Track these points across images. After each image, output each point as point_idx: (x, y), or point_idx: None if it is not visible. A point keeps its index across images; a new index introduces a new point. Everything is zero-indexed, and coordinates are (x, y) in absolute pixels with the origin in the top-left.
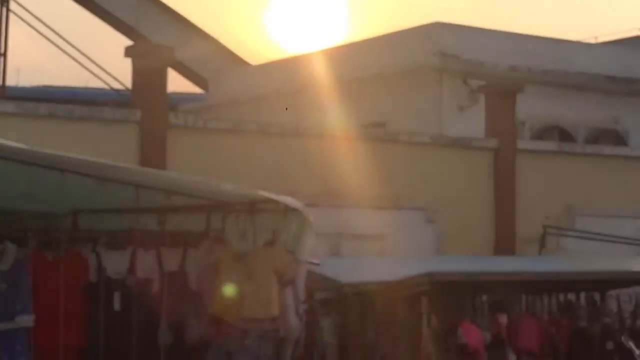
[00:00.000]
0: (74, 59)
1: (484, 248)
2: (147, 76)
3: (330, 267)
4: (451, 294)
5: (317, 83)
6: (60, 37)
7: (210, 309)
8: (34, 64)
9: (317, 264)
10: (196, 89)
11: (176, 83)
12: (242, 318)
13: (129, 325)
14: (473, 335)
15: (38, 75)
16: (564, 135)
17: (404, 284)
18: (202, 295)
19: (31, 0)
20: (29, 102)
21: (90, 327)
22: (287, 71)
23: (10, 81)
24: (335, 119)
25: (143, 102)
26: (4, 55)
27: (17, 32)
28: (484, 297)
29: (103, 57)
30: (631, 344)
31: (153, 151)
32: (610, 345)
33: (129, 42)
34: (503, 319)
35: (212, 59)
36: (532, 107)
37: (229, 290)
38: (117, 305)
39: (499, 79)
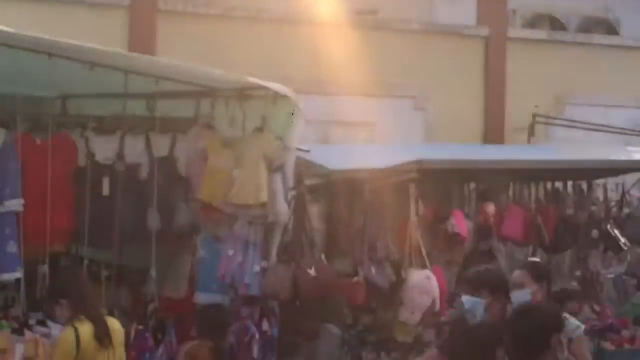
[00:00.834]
0: None
1: (473, 137)
2: None
3: (319, 154)
4: (439, 182)
5: None
6: None
7: (199, 194)
8: None
9: (307, 151)
10: None
11: None
12: (231, 203)
13: (118, 209)
14: (463, 224)
15: None
16: (555, 24)
17: (392, 171)
18: (191, 180)
19: None
20: None
21: (78, 212)
22: None
23: None
24: (326, 5)
25: None
26: None
27: None
28: (472, 186)
29: None
30: (616, 232)
31: (142, 37)
32: (595, 234)
33: None
34: (490, 207)
35: None
36: None
37: (218, 176)
38: (105, 190)
39: None
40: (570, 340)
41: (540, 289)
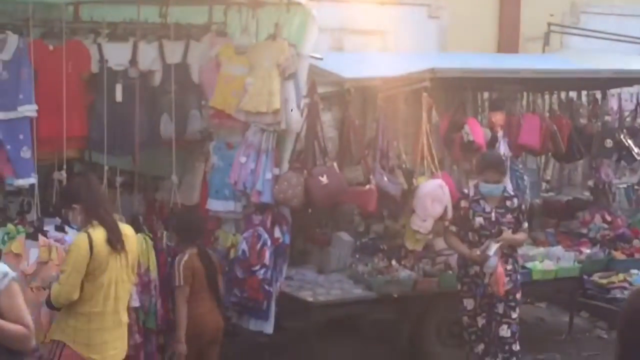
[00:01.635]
0: None
1: (487, 46)
2: None
3: (332, 62)
4: (453, 91)
5: None
6: None
7: (211, 101)
8: None
9: (320, 59)
10: None
11: None
12: (243, 111)
13: (131, 116)
14: (478, 132)
15: None
16: None
17: (405, 80)
18: (203, 88)
19: None
20: None
21: (91, 118)
22: None
23: None
24: None
25: None
26: None
27: None
28: (486, 95)
29: None
30: (630, 142)
31: None
32: (609, 143)
33: None
34: (498, 116)
35: None
36: None
37: (231, 83)
38: (119, 96)
39: None
40: None
41: None
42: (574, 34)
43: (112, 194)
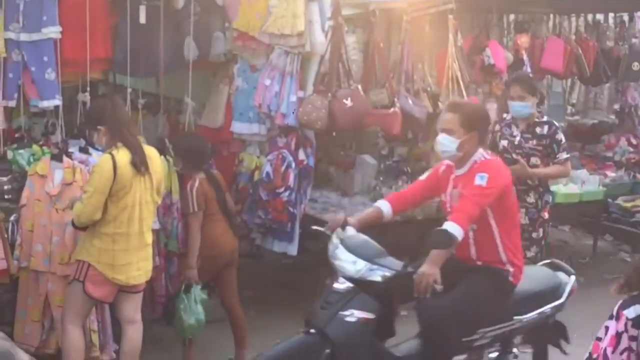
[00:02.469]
0: None
1: None
2: None
3: None
4: (478, 13)
5: None
6: None
7: (235, 23)
8: None
9: None
10: None
11: None
12: (267, 33)
13: (155, 38)
14: (499, 55)
15: None
16: None
17: (430, 1)
18: (228, 9)
19: None
20: None
21: (115, 40)
22: None
23: None
24: None
25: None
26: None
27: None
28: (511, 17)
29: None
30: None
31: None
32: (636, 66)
33: None
34: (523, 38)
35: None
36: None
37: (255, 5)
38: (142, 18)
39: None
40: None
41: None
42: None
43: (136, 116)
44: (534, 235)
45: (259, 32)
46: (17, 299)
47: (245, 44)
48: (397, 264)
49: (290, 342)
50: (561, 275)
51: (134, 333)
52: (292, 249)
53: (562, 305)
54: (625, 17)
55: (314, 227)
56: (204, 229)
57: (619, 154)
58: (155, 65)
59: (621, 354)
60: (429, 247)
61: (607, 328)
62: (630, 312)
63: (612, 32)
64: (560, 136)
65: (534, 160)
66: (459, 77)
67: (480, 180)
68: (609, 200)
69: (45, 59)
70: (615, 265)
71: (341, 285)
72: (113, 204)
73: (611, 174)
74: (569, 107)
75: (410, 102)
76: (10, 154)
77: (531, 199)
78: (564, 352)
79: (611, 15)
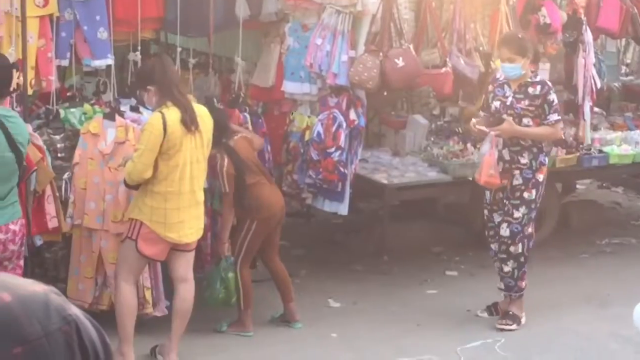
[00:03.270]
0: None
1: None
2: None
3: None
4: None
5: None
6: None
7: None
8: None
9: None
10: None
11: None
12: None
13: None
14: (555, 15)
15: None
16: None
17: None
18: None
19: None
20: None
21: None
22: None
23: None
24: None
25: None
26: None
27: None
28: None
29: None
30: None
31: None
32: None
33: None
34: None
35: None
36: None
37: None
38: None
39: None
40: None
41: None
42: None
43: (187, 76)
44: (526, 195)
45: None
46: (71, 256)
47: (297, 3)
48: None
49: None
50: None
51: (186, 291)
52: (343, 209)
53: None
54: None
55: None
56: (253, 194)
57: None
58: (206, 25)
59: None
60: None
61: None
62: None
63: None
64: (552, 97)
65: (525, 121)
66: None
67: None
68: None
69: (98, 18)
70: None
71: None
72: (164, 163)
73: None
74: (623, 67)
75: (462, 61)
76: (62, 113)
77: (525, 159)
78: None
79: None
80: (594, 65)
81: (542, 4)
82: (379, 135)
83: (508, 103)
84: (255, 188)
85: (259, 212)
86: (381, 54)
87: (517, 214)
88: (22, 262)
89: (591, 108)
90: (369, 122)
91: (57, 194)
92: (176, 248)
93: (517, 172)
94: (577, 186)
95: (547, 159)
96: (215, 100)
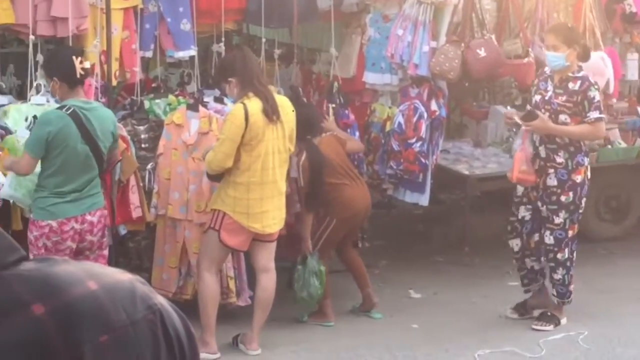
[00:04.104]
0: None
1: None
2: None
3: None
4: None
5: None
6: None
7: None
8: None
9: None
10: None
11: None
12: None
13: None
14: None
15: None
16: None
17: None
18: None
19: None
20: None
21: None
22: None
23: None
24: None
25: None
26: None
27: None
28: None
29: None
30: None
31: None
32: None
33: None
34: None
35: None
36: None
37: None
38: None
39: None
40: None
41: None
42: None
43: (270, 66)
44: (563, 198)
45: None
46: (155, 246)
47: None
48: None
49: None
50: None
51: (268, 281)
52: (424, 200)
53: None
54: None
55: None
56: (336, 194)
57: None
58: (289, 16)
59: None
60: None
61: None
62: None
63: None
64: (594, 93)
65: (562, 117)
66: (595, 26)
67: None
68: None
69: (181, 9)
70: None
71: None
72: (246, 153)
73: None
74: None
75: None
76: (147, 104)
77: (560, 158)
78: None
79: None
80: None
81: None
82: (461, 126)
83: (547, 98)
84: (335, 188)
85: (337, 212)
86: (463, 44)
87: (557, 220)
88: (106, 252)
89: None
90: (450, 113)
91: (141, 184)
92: (258, 238)
93: (551, 171)
94: None
95: (586, 159)
96: (299, 90)
